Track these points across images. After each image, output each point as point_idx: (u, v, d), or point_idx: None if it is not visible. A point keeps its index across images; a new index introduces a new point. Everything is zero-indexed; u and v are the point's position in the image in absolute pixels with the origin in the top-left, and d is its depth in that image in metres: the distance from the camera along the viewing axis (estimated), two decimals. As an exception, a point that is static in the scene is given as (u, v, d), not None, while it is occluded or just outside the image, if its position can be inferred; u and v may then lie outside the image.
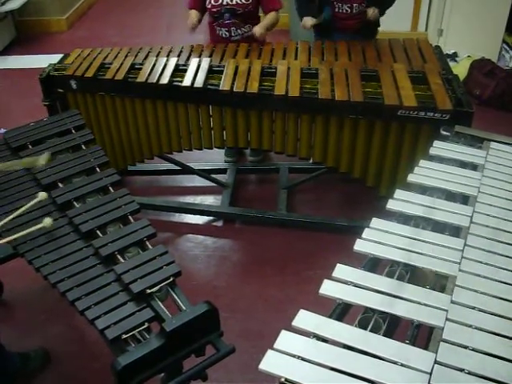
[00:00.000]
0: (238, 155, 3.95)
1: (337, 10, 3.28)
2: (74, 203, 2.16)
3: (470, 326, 1.32)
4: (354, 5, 3.24)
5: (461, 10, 4.84)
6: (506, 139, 2.20)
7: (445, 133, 2.29)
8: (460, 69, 4.51)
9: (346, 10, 3.27)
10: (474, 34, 4.84)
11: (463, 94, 2.75)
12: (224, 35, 3.44)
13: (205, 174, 3.72)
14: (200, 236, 3.35)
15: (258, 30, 3.31)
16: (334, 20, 3.31)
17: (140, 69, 3.14)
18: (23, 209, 2.04)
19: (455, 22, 4.92)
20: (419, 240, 1.63)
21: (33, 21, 6.24)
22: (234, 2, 3.31)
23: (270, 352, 1.25)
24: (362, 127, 2.82)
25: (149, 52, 3.33)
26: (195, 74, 3.04)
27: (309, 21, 3.30)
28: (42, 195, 2.09)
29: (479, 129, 2.32)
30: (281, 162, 3.75)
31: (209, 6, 3.37)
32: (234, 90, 2.90)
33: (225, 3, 3.30)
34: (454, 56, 4.91)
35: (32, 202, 2.06)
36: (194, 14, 3.40)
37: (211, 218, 3.48)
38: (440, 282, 1.51)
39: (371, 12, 3.20)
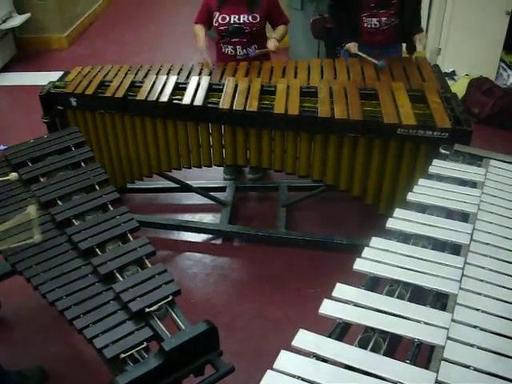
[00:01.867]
0: (237, 173, 3.95)
1: (366, 24, 3.29)
2: (73, 221, 2.16)
3: (472, 345, 1.31)
4: (383, 19, 3.25)
5: (459, 28, 4.88)
6: (504, 157, 2.20)
7: (444, 151, 2.29)
8: (458, 87, 4.54)
9: (375, 25, 3.28)
10: (472, 53, 4.87)
11: (462, 112, 2.76)
12: (230, 52, 3.47)
13: (204, 191, 3.71)
14: (199, 254, 3.34)
15: (272, 43, 3.37)
16: (361, 34, 3.32)
17: (140, 87, 3.15)
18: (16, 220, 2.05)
19: (453, 40, 4.96)
20: (419, 258, 1.63)
21: (33, 38, 6.28)
22: (241, 21, 3.34)
23: (269, 372, 1.24)
24: (361, 145, 2.83)
25: (149, 70, 3.35)
26: (195, 92, 3.05)
27: (352, 47, 3.25)
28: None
29: (478, 147, 2.33)
30: (280, 180, 3.75)
31: (216, 25, 3.40)
32: (234, 108, 2.91)
33: (232, 22, 3.34)
34: (452, 74, 4.94)
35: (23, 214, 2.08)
36: (199, 31, 3.42)
37: (210, 235, 3.47)
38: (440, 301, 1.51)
39: (420, 40, 3.18)
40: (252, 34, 3.38)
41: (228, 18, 3.35)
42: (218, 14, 3.37)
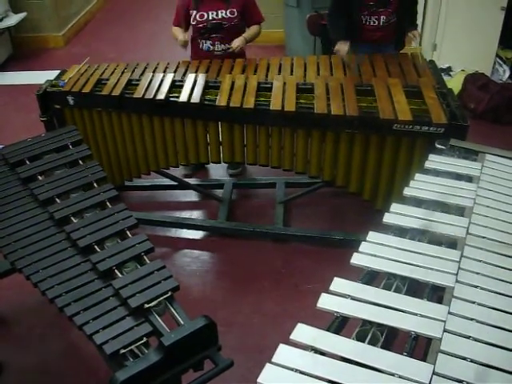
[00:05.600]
0: (196, 169, 3.98)
1: (364, 22, 3.32)
2: (72, 218, 2.16)
3: (468, 337, 1.32)
4: (382, 17, 3.28)
5: (454, 24, 4.89)
6: (500, 152, 2.21)
7: (440, 146, 2.31)
8: (454, 83, 4.54)
9: (374, 22, 3.31)
10: (468, 49, 4.88)
11: (458, 107, 2.77)
12: (208, 48, 3.47)
13: (201, 188, 3.72)
14: (197, 251, 3.35)
15: (236, 41, 3.37)
16: (361, 32, 3.34)
17: (137, 85, 3.15)
18: None
19: (449, 36, 4.97)
20: (416, 252, 1.64)
21: (30, 37, 6.27)
22: (219, 17, 3.35)
23: (268, 366, 1.25)
24: (357, 141, 2.84)
25: (145, 68, 3.35)
26: (192, 89, 3.06)
27: (344, 47, 3.20)
28: None
29: (474, 142, 2.34)
30: (277, 177, 3.76)
31: (194, 23, 3.41)
32: (231, 105, 2.92)
33: (210, 18, 3.34)
34: (448, 70, 4.95)
35: None
36: (179, 32, 3.44)
37: (208, 232, 3.48)
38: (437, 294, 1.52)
39: (414, 37, 3.31)
40: (231, 29, 3.40)
41: (206, 15, 3.36)
42: (195, 12, 3.38)
